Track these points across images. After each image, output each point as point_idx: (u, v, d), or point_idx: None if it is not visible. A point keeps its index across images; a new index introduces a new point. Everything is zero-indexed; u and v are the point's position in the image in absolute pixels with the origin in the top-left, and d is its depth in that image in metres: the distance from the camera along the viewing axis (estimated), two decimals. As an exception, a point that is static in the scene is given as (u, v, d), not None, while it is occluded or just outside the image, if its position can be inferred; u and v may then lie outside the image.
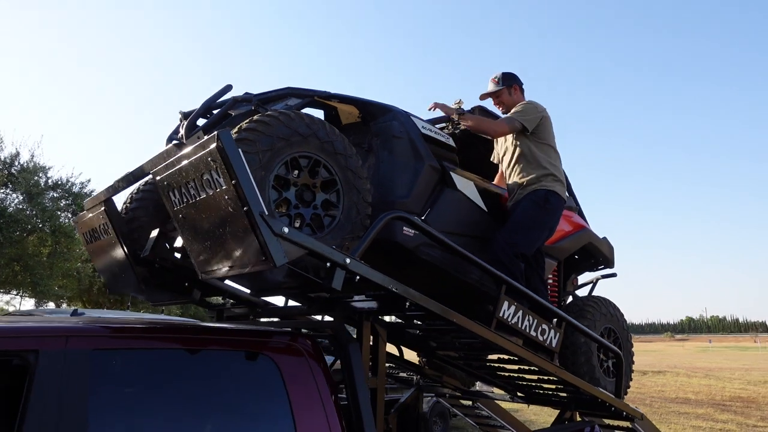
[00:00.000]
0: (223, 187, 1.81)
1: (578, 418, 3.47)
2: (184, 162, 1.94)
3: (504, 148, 3.36)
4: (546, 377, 3.11)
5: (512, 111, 3.25)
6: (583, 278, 4.20)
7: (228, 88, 2.62)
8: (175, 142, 2.76)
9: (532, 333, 2.75)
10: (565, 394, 3.42)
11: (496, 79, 3.39)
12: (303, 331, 2.50)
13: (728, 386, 15.25)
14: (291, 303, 3.14)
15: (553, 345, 2.85)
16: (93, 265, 3.27)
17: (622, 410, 3.26)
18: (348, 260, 2.00)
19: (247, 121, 2.14)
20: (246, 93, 2.64)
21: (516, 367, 3.10)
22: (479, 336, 2.48)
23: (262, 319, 3.08)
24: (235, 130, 2.13)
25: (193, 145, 1.91)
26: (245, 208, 1.77)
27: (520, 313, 2.67)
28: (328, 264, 1.99)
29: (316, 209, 2.22)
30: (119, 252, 2.74)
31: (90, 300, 15.55)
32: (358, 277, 2.07)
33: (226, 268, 2.00)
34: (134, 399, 1.67)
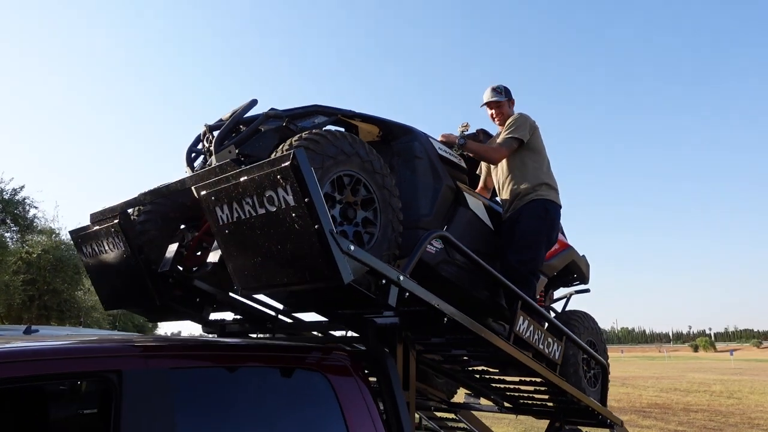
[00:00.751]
0: (292, 205, 1.83)
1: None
2: (243, 178, 1.93)
3: (489, 165, 3.52)
4: (542, 388, 3.28)
5: (506, 127, 3.38)
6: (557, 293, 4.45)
7: (254, 102, 2.63)
8: (197, 155, 2.73)
9: (540, 346, 2.91)
10: (551, 404, 3.60)
11: (500, 91, 3.55)
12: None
13: (644, 394, 16.38)
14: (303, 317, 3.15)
15: (557, 357, 3.02)
16: (91, 279, 3.08)
17: (607, 418, 3.49)
18: (401, 277, 2.06)
19: (296, 138, 2.17)
20: (272, 108, 2.65)
21: (517, 378, 3.24)
22: (499, 350, 2.60)
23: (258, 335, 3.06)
24: (285, 146, 2.15)
25: (257, 163, 1.91)
26: (316, 227, 1.79)
27: (531, 328, 2.83)
28: (383, 281, 2.04)
29: (358, 227, 2.27)
30: (130, 266, 2.64)
31: (10, 315, 14.33)
32: (407, 294, 2.13)
33: (277, 284, 2.00)
34: (209, 416, 1.65)
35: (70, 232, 2.98)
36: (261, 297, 2.91)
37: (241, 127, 2.55)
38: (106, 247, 2.72)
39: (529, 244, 3.13)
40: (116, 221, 2.59)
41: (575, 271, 4.07)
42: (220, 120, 2.74)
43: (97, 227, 2.73)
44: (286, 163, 1.80)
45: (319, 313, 2.70)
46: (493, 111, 3.55)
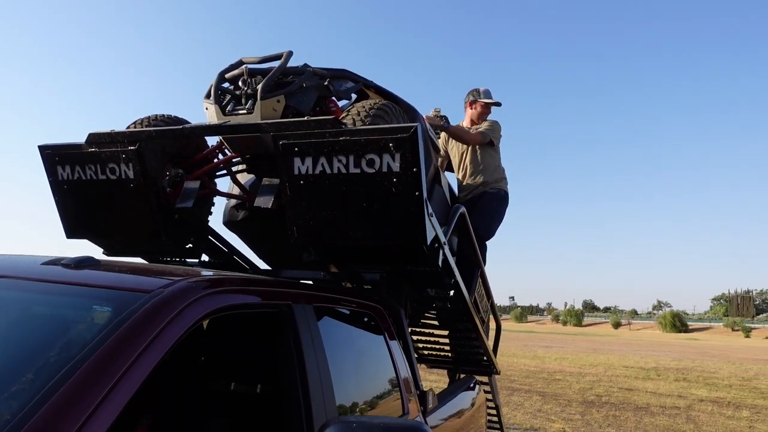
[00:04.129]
0: (395, 171, 2.06)
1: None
2: (343, 137, 2.09)
3: (462, 152, 4.06)
4: (447, 341, 3.94)
5: (484, 126, 4.08)
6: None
7: (291, 53, 2.68)
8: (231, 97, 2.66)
9: (480, 306, 3.53)
10: (451, 356, 4.30)
11: (481, 92, 4.20)
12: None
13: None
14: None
15: (484, 318, 3.68)
16: (61, 204, 2.76)
17: (495, 366, 4.30)
18: (445, 242, 2.44)
19: (371, 105, 2.35)
20: (306, 64, 2.72)
21: (447, 338, 3.84)
22: (466, 307, 3.12)
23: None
24: (364, 114, 2.32)
25: (364, 126, 2.09)
26: (416, 193, 2.07)
27: (482, 292, 3.42)
28: (436, 245, 2.39)
29: None
30: (136, 197, 2.52)
31: None
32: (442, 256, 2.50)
33: (349, 238, 2.21)
34: (335, 341, 1.93)
35: (41, 147, 2.65)
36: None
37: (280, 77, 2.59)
38: (104, 174, 2.52)
39: (489, 217, 3.85)
40: (133, 148, 2.44)
41: None
42: (240, 62, 2.71)
43: (96, 149, 2.52)
44: (405, 135, 2.02)
45: (340, 269, 2.88)
46: (481, 110, 4.22)
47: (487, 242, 3.91)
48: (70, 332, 1.10)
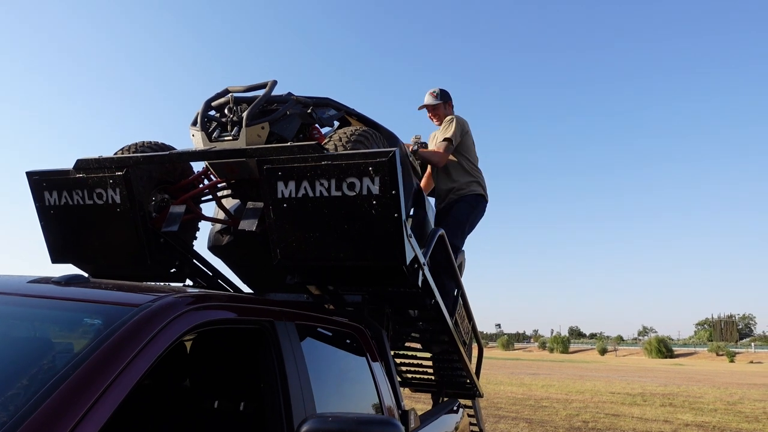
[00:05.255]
0: (375, 194, 2.15)
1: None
2: (324, 162, 2.18)
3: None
4: (430, 363, 3.97)
5: (441, 128, 4.00)
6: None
7: (275, 83, 2.78)
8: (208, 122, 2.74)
9: (462, 327, 3.59)
10: (434, 378, 4.33)
11: (435, 94, 4.18)
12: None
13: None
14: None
15: (465, 340, 3.74)
16: (47, 229, 2.79)
17: (478, 389, 4.34)
18: (425, 264, 2.52)
19: (352, 132, 2.46)
20: (289, 93, 2.83)
21: (430, 360, 3.88)
22: (446, 328, 3.19)
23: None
24: (345, 139, 2.42)
25: (345, 152, 2.19)
26: (396, 215, 2.16)
27: (462, 312, 3.49)
28: (416, 265, 2.47)
29: None
30: (122, 221, 2.57)
31: None
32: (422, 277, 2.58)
33: (330, 259, 2.28)
34: (317, 359, 1.98)
35: (29, 174, 2.70)
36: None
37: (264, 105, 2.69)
38: (91, 198, 2.58)
39: (457, 225, 3.80)
40: (120, 173, 2.50)
41: None
42: (226, 91, 2.81)
43: (83, 175, 2.58)
44: (383, 159, 2.12)
45: (323, 290, 2.94)
46: (431, 113, 4.20)
47: (463, 249, 3.95)
48: (63, 342, 1.15)
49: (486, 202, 4.11)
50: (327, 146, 2.36)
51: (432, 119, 4.24)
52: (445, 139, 3.90)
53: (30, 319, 1.32)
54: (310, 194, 2.23)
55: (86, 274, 2.93)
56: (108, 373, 1.03)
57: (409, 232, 2.25)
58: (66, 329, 1.22)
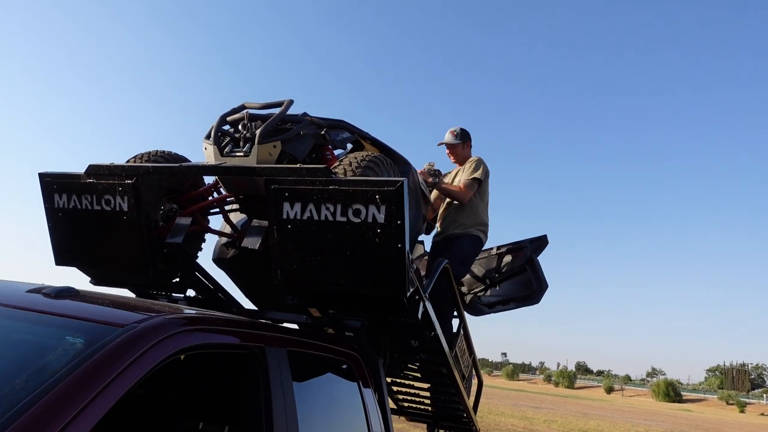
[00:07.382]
0: (380, 222, 2.13)
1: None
2: (332, 186, 2.16)
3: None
4: (427, 395, 3.90)
5: (467, 169, 4.05)
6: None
7: (291, 102, 2.79)
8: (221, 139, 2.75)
9: (461, 360, 3.52)
10: (431, 410, 4.26)
11: (455, 133, 4.24)
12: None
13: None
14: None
15: (466, 371, 3.67)
16: (54, 230, 2.81)
17: (474, 425, 4.25)
18: (426, 296, 2.47)
19: (363, 157, 2.44)
20: (305, 113, 2.84)
21: (427, 391, 3.81)
22: (445, 360, 3.13)
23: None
24: (355, 164, 2.40)
25: (354, 177, 2.17)
26: (399, 245, 2.12)
27: (463, 345, 3.42)
28: (417, 297, 2.43)
29: None
30: (127, 229, 2.57)
31: None
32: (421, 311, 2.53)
33: (331, 283, 2.25)
34: (306, 387, 1.95)
35: (41, 175, 2.73)
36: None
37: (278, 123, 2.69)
38: (99, 204, 2.59)
39: (462, 258, 3.82)
40: (130, 182, 2.51)
41: None
42: (242, 107, 2.82)
43: (94, 181, 2.59)
44: (391, 188, 2.10)
45: (323, 313, 2.91)
46: (449, 151, 4.27)
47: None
48: (40, 360, 1.13)
49: (483, 244, 4.15)
50: (336, 170, 2.34)
51: (449, 156, 4.33)
52: (474, 179, 3.96)
53: (10, 331, 1.30)
54: (315, 217, 2.21)
55: (88, 279, 2.96)
56: (82, 396, 1.01)
57: (412, 263, 2.22)
58: (46, 347, 1.19)
